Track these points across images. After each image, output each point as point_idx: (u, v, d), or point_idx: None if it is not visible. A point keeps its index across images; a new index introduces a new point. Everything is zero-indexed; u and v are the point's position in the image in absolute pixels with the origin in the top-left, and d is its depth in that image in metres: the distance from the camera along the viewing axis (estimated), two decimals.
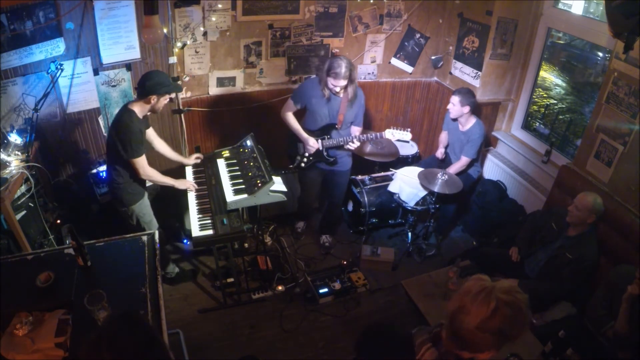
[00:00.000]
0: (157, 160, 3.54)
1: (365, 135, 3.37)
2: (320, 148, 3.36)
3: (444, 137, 4.00)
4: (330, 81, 3.09)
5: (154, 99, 2.67)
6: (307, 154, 3.43)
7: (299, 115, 3.41)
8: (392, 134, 3.35)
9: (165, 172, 3.06)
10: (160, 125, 3.56)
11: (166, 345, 1.43)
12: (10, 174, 2.67)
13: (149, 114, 2.79)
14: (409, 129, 3.35)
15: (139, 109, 2.70)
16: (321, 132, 3.36)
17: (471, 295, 1.21)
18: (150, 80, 2.64)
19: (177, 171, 3.39)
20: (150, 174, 2.82)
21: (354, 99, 3.25)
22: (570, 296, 2.80)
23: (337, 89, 3.14)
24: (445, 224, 4.03)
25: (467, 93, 3.52)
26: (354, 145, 3.32)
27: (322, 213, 4.01)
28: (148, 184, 3.07)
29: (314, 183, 3.69)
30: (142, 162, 2.74)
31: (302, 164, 3.49)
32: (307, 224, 4.12)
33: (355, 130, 3.40)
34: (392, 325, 2.84)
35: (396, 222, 4.09)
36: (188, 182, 3.09)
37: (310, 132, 3.36)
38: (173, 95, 2.77)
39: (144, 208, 2.95)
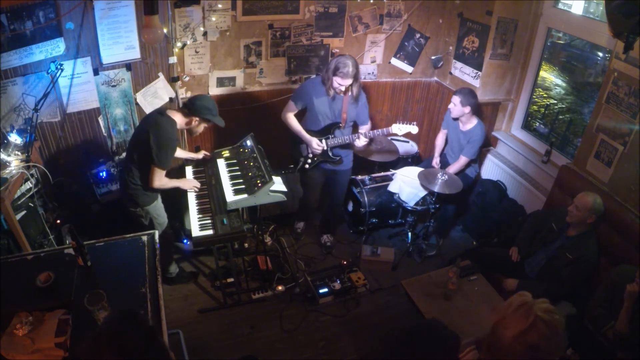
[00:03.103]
0: None
1: (373, 132, 3.37)
2: (326, 148, 3.36)
3: (440, 139, 4.00)
4: (337, 80, 3.09)
5: (195, 120, 2.75)
6: (311, 155, 3.42)
7: (298, 116, 3.41)
8: (399, 129, 3.36)
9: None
10: None
11: (166, 345, 1.43)
12: (10, 174, 2.66)
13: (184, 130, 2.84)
14: (414, 122, 3.36)
15: (179, 122, 2.74)
16: (324, 132, 3.36)
17: (512, 309, 1.28)
18: (200, 101, 2.73)
19: (177, 172, 3.39)
20: (164, 182, 2.82)
21: (357, 97, 3.26)
22: (570, 296, 2.80)
23: (343, 88, 3.15)
24: (445, 224, 4.03)
25: (468, 93, 3.52)
26: (360, 142, 3.31)
27: (323, 213, 4.01)
28: None
29: (317, 184, 3.69)
30: (163, 173, 2.76)
31: (307, 165, 3.48)
32: (307, 224, 4.12)
33: (365, 128, 3.41)
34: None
35: (396, 222, 4.09)
36: (192, 182, 3.09)
37: (312, 133, 3.36)
38: (205, 124, 2.85)
39: (158, 209, 2.97)
